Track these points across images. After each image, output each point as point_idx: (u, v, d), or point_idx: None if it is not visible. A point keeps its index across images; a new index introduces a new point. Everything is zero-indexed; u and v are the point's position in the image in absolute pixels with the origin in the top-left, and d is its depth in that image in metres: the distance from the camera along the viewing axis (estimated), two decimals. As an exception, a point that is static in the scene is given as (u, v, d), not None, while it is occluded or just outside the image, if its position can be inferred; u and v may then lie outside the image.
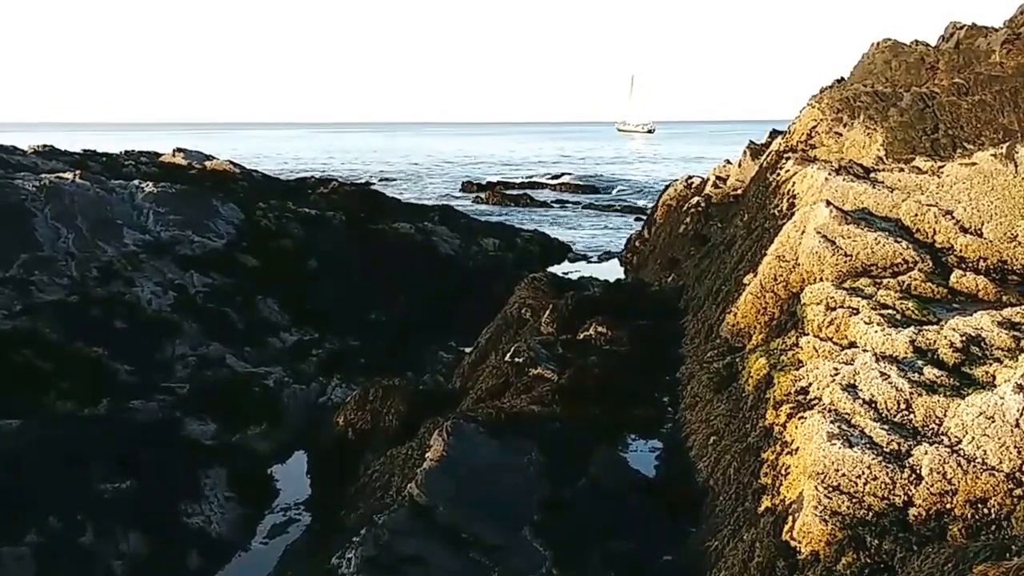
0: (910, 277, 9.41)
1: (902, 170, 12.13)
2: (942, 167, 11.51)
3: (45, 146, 35.10)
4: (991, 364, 6.81)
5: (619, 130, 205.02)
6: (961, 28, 19.01)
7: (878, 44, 19.85)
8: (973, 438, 5.85)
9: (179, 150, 35.78)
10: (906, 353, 7.18)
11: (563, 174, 75.53)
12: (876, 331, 7.76)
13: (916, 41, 19.45)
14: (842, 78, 20.99)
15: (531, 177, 75.66)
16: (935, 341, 7.22)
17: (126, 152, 37.96)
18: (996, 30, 18.22)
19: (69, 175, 21.08)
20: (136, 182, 22.60)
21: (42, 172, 23.01)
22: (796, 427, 6.86)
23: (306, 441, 13.86)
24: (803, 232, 10.49)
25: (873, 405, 6.49)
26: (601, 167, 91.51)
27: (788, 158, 16.12)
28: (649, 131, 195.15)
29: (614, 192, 63.03)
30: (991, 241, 10.13)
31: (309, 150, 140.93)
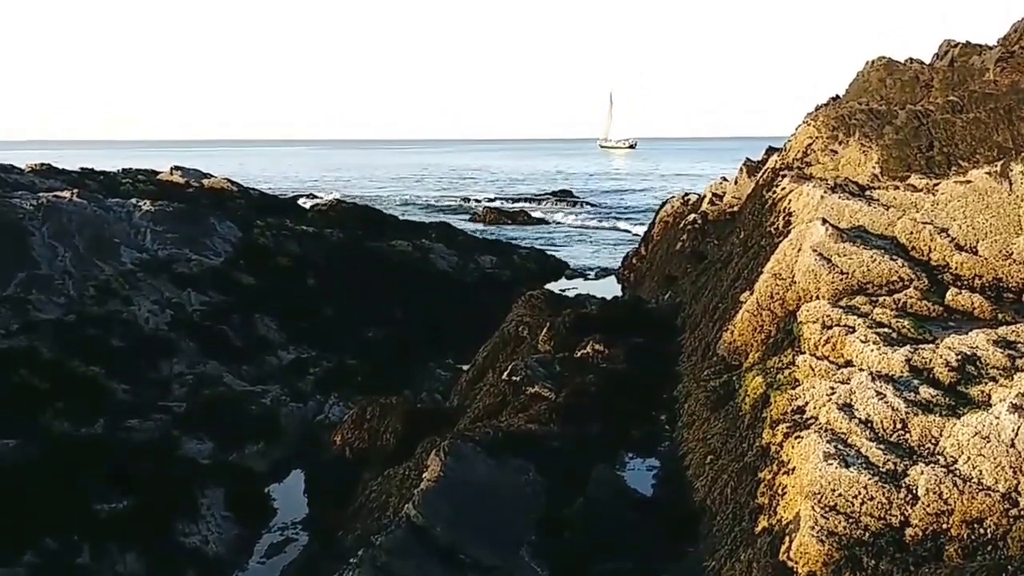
0: (906, 295, 9.43)
1: (897, 188, 12.18)
2: (937, 185, 11.55)
3: (43, 164, 35.18)
4: (986, 383, 6.82)
5: (601, 146, 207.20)
6: (955, 46, 19.08)
7: (873, 62, 19.93)
8: (969, 458, 5.87)
9: (176, 168, 35.84)
10: (902, 372, 7.20)
11: (560, 191, 75.69)
12: (872, 350, 7.77)
13: (911, 59, 19.51)
14: (837, 96, 21.05)
15: (526, 194, 75.94)
16: (931, 360, 7.23)
17: (124, 170, 38.02)
18: (990, 48, 18.29)
19: (66, 193, 21.11)
20: (133, 200, 22.67)
21: (40, 191, 23.02)
22: (793, 447, 6.86)
23: (303, 459, 13.86)
24: (799, 250, 10.52)
25: (869, 425, 6.50)
26: (592, 183, 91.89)
27: (784, 175, 16.15)
28: (631, 147, 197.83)
29: (607, 208, 63.19)
30: (986, 259, 10.15)
31: (305, 167, 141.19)
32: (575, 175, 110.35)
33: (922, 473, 5.88)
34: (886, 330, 8.35)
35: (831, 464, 6.11)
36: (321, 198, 54.46)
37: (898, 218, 11.02)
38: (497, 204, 63.04)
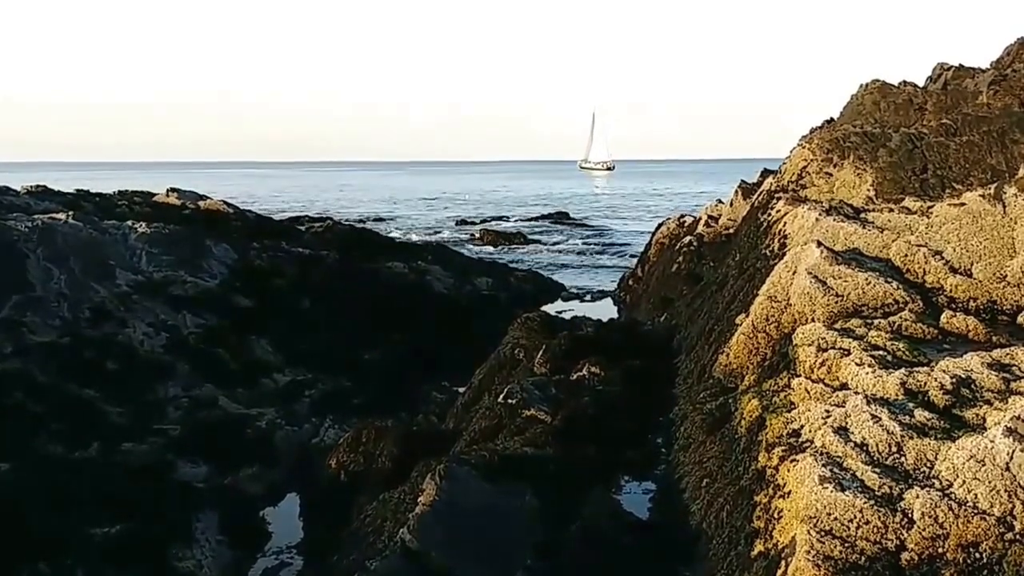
0: (901, 318, 9.43)
1: (892, 210, 12.21)
2: (931, 207, 11.58)
3: (38, 186, 35.10)
4: (981, 406, 6.83)
5: (581, 167, 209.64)
6: (948, 69, 19.22)
7: (867, 85, 20.05)
8: (964, 482, 5.86)
9: (173, 190, 35.78)
10: (897, 395, 7.20)
11: (556, 212, 75.84)
12: (867, 373, 7.78)
13: (904, 82, 19.65)
14: (832, 118, 21.17)
15: (521, 215, 76.17)
16: (925, 383, 7.24)
17: (119, 192, 37.94)
18: (983, 71, 18.43)
19: (62, 215, 21.13)
20: (129, 222, 22.65)
21: (35, 213, 23.04)
22: (788, 470, 6.85)
23: (299, 483, 13.80)
24: (794, 272, 10.54)
25: (864, 448, 6.50)
26: (584, 204, 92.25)
27: (779, 198, 16.20)
28: (609, 168, 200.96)
29: (603, 229, 63.41)
30: (980, 281, 10.17)
31: (295, 189, 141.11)
32: (565, 196, 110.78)
33: (917, 497, 5.88)
34: (881, 353, 8.36)
35: (827, 488, 6.10)
36: (316, 219, 54.56)
37: (893, 240, 11.05)
38: (493, 225, 63.14)
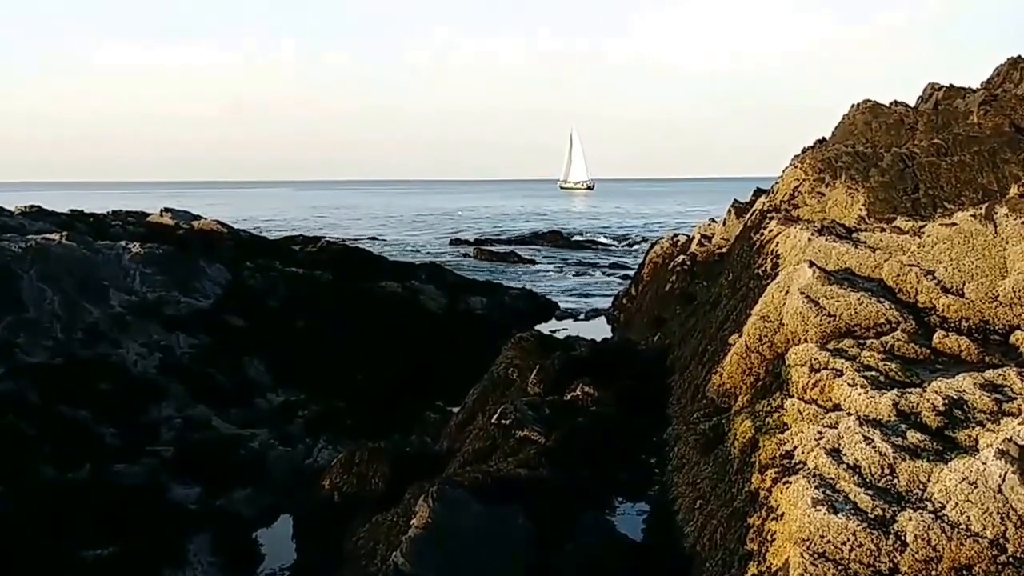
0: (893, 338, 9.46)
1: (884, 230, 12.26)
2: (923, 227, 11.63)
3: (32, 207, 35.04)
4: (973, 428, 6.85)
5: (561, 187, 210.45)
6: (939, 89, 19.30)
7: (858, 105, 20.11)
8: (956, 504, 5.87)
9: (166, 210, 35.74)
10: (889, 416, 7.21)
11: (550, 231, 75.89)
12: (860, 394, 7.79)
13: (895, 102, 19.71)
14: (823, 138, 21.22)
15: (514, 234, 76.24)
16: (918, 404, 7.25)
17: (113, 212, 37.90)
18: (973, 91, 18.51)
19: (56, 236, 21.07)
20: (123, 243, 22.59)
21: (29, 233, 22.98)
22: (781, 492, 6.85)
23: (292, 504, 13.74)
24: (787, 292, 10.57)
25: (857, 470, 6.51)
26: (572, 223, 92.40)
27: (772, 218, 16.24)
28: (589, 188, 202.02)
29: (597, 247, 63.54)
30: (972, 301, 10.21)
31: (291, 208, 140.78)
32: (556, 214, 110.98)
33: (910, 519, 5.88)
34: (873, 373, 8.38)
35: (820, 510, 6.10)
36: (310, 239, 54.57)
37: (885, 260, 11.09)
38: (486, 245, 63.25)
